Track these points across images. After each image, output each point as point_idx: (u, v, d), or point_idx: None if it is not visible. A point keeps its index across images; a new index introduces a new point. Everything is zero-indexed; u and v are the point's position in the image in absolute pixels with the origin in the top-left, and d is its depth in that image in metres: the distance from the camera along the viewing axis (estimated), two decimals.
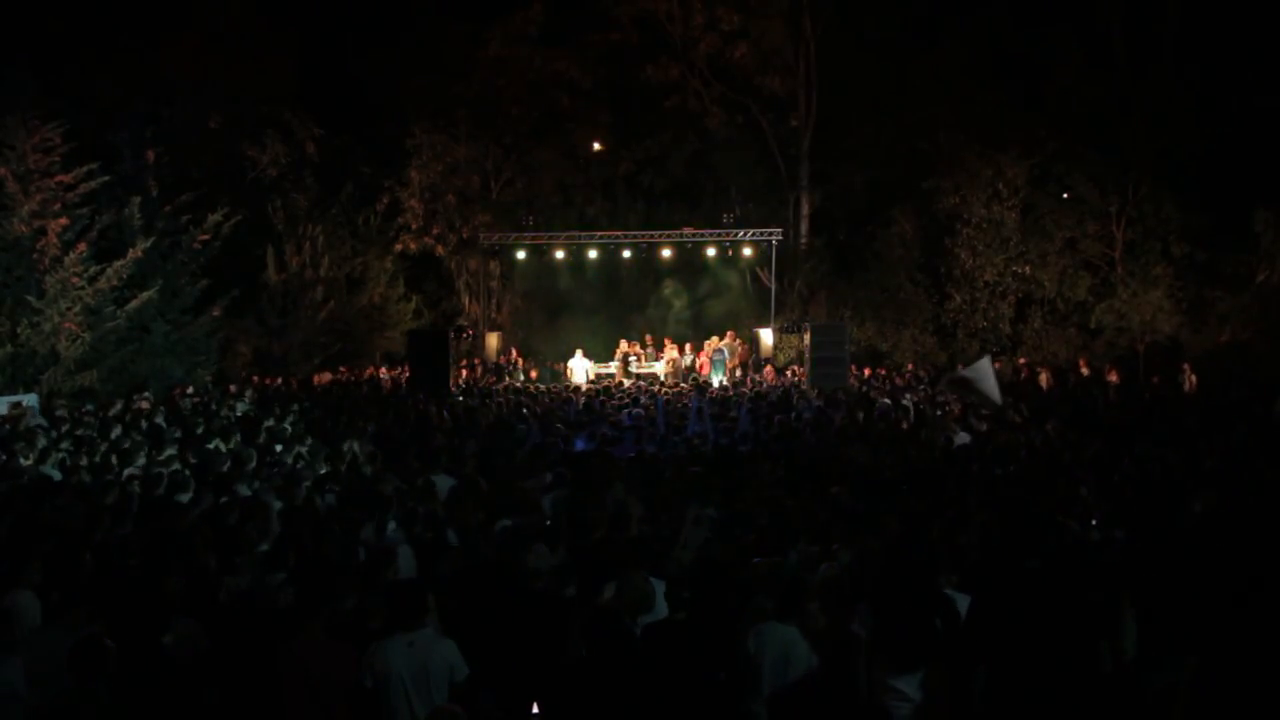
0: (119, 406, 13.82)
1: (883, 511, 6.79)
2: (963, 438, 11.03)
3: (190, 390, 16.43)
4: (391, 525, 6.75)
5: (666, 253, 22.97)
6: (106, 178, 16.92)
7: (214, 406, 14.33)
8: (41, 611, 4.99)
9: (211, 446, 10.27)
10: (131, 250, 16.52)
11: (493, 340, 24.05)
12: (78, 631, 4.32)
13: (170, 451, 9.91)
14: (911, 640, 4.32)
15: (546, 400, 16.01)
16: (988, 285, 21.04)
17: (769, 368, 21.28)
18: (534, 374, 22.36)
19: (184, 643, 4.50)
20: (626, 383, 19.64)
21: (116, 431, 11.31)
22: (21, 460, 9.38)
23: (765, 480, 8.29)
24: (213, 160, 21.79)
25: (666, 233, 22.79)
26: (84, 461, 9.50)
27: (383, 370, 21.79)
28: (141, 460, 9.43)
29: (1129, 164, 19.34)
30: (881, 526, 6.34)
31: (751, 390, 17.56)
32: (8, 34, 17.62)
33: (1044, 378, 18.20)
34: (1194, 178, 18.80)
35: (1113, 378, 17.61)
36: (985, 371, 11.63)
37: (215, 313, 18.90)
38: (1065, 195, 21.03)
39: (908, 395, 15.33)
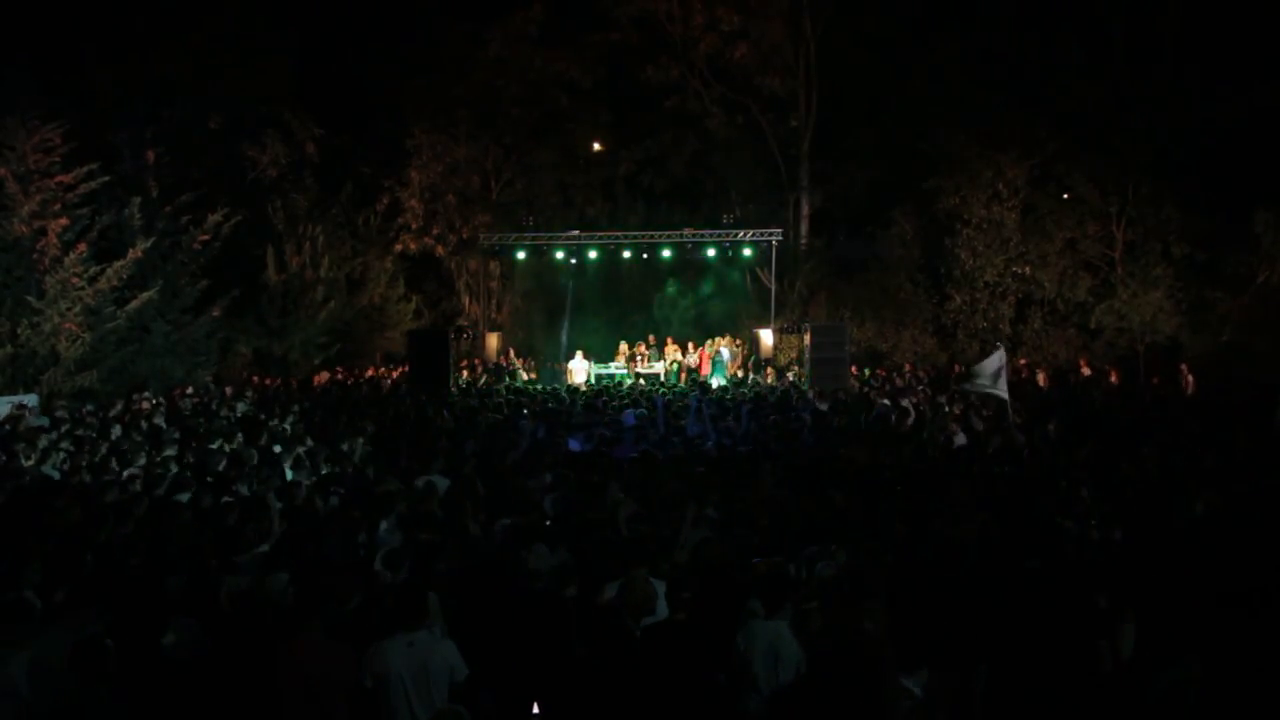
0: (119, 407, 13.83)
1: (883, 512, 6.79)
2: (961, 438, 11.03)
3: (190, 390, 16.44)
4: (384, 525, 6.74)
5: (666, 253, 22.97)
6: (106, 178, 16.91)
7: (214, 407, 14.33)
8: (42, 612, 4.98)
9: (215, 446, 10.27)
10: (131, 250, 16.53)
11: (493, 340, 24.06)
12: (78, 631, 4.32)
13: (170, 451, 9.92)
14: (923, 638, 4.31)
15: (546, 401, 16.00)
16: (988, 286, 21.03)
17: (769, 369, 21.29)
18: (534, 374, 22.38)
19: (184, 643, 4.50)
20: (631, 382, 19.68)
21: (116, 432, 11.31)
22: (23, 461, 9.39)
23: (765, 481, 8.28)
24: (213, 160, 21.78)
25: (666, 233, 22.80)
26: (84, 461, 9.49)
27: (383, 370, 21.80)
28: (142, 460, 9.43)
29: (1129, 164, 19.33)
30: (881, 527, 6.33)
31: (751, 391, 17.56)
32: (8, 34, 17.60)
33: (1041, 377, 18.21)
34: (1194, 178, 18.78)
35: (1112, 378, 17.62)
36: (997, 366, 11.57)
37: (215, 313, 18.91)
38: (1065, 196, 21.02)
39: (908, 398, 15.32)
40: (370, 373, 21.34)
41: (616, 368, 21.93)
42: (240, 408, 14.58)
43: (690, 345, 22.76)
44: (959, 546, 5.84)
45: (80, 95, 18.65)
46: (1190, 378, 16.56)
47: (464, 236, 25.01)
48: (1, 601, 4.69)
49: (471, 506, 6.83)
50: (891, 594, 4.65)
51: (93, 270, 16.03)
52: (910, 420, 12.58)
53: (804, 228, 25.33)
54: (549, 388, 19.28)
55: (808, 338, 19.64)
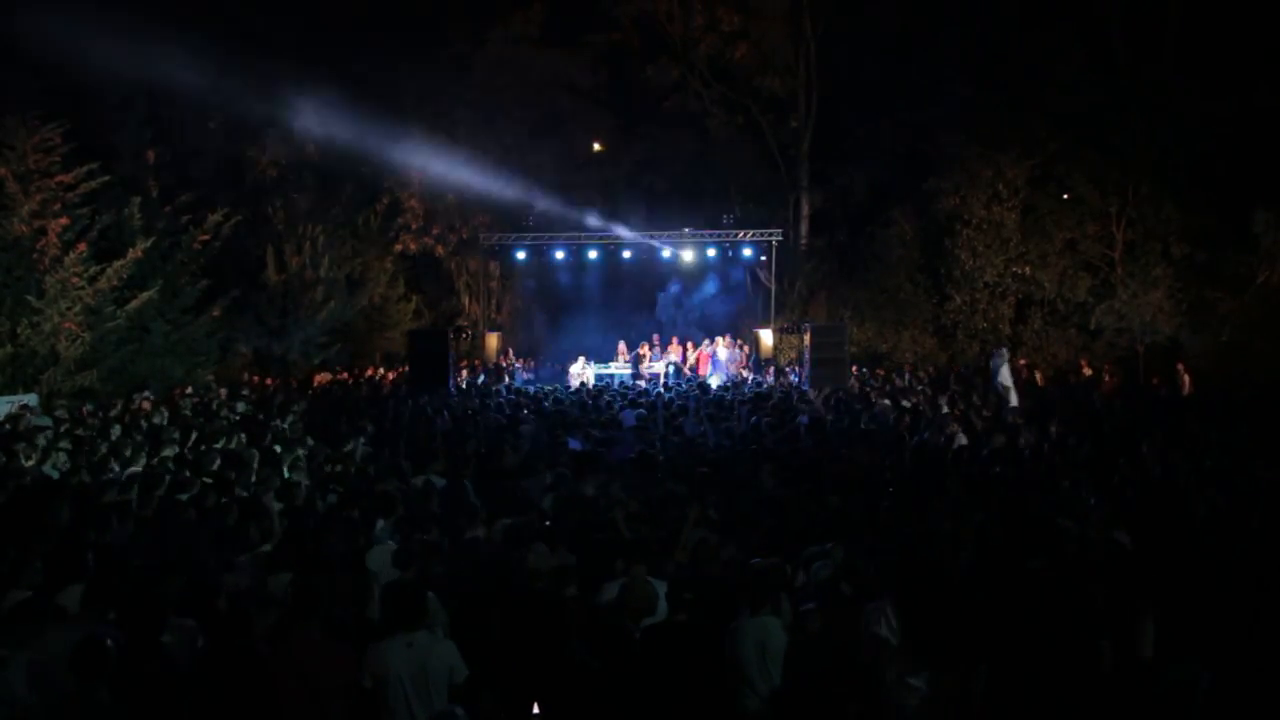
0: (119, 406, 13.82)
1: (883, 512, 6.79)
2: (962, 438, 11.02)
3: (190, 390, 16.43)
4: (380, 525, 6.73)
5: (666, 253, 22.96)
6: (106, 178, 16.89)
7: (214, 407, 14.32)
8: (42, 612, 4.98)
9: (219, 446, 10.27)
10: (131, 250, 16.51)
11: (493, 340, 24.06)
12: (78, 631, 4.32)
13: (170, 452, 9.91)
14: (923, 638, 4.30)
15: (546, 401, 15.99)
16: (988, 286, 21.04)
17: (769, 369, 21.29)
18: (533, 375, 22.37)
19: (184, 643, 4.50)
20: (639, 383, 19.68)
21: (116, 431, 11.30)
22: (23, 461, 9.37)
23: (765, 481, 8.28)
24: (213, 160, 21.77)
25: (667, 233, 22.80)
26: (84, 461, 9.48)
27: (383, 371, 21.80)
28: (142, 460, 9.42)
29: (1129, 164, 19.33)
30: (881, 527, 6.32)
31: (751, 391, 17.55)
32: (8, 34, 17.58)
33: (1038, 377, 18.21)
34: (1194, 178, 18.77)
35: (1107, 378, 17.61)
36: (1003, 366, 11.59)
37: (215, 313, 18.89)
38: (1065, 196, 21.03)
39: (908, 398, 15.32)
40: (370, 373, 21.34)
41: (617, 368, 21.92)
42: (240, 408, 14.57)
43: (689, 345, 22.76)
44: (959, 546, 5.83)
45: (80, 95, 18.62)
46: (1187, 377, 16.56)
47: (464, 236, 25.01)
48: (13, 604, 4.70)
49: (474, 511, 6.81)
50: (892, 594, 4.65)
51: (93, 270, 16.02)
52: (909, 420, 12.57)
53: (804, 228, 25.35)
54: (549, 388, 19.26)
55: (808, 338, 19.65)
